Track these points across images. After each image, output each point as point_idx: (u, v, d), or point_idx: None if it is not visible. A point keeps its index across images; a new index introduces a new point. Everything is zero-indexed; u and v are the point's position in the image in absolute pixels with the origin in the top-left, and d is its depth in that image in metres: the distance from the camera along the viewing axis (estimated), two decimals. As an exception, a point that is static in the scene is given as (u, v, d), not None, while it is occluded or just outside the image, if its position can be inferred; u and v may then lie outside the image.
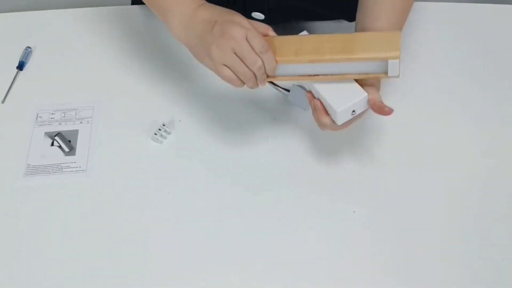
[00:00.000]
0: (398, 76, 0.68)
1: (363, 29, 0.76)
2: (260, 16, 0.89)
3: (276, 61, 0.68)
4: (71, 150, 0.83)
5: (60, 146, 0.84)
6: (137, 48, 0.97)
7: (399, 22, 0.77)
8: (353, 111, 0.70)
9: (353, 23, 0.79)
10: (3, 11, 1.04)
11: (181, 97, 0.90)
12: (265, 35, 0.69)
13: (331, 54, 0.67)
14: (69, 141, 0.85)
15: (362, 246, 0.75)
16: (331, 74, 0.70)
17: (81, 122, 0.87)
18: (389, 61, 0.66)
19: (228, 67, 0.67)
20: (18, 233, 0.75)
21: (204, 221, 0.77)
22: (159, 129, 0.84)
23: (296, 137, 0.84)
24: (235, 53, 0.66)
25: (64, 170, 0.81)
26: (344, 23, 0.97)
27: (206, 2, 0.73)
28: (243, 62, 0.67)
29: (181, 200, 0.79)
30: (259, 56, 0.67)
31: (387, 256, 0.74)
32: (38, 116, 0.88)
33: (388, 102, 0.89)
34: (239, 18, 0.68)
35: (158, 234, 0.75)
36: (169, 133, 0.85)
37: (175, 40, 0.99)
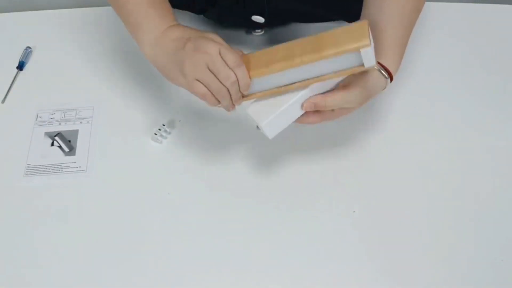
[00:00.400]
0: (375, 65, 0.66)
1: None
2: (260, 19, 0.89)
3: (250, 77, 0.67)
4: (71, 150, 0.84)
5: (60, 146, 0.84)
6: (137, 48, 0.97)
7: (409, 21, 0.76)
8: (257, 126, 0.70)
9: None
10: (3, 11, 1.04)
11: (181, 97, 0.90)
12: None
13: (301, 57, 0.65)
14: (69, 141, 0.85)
15: (362, 246, 0.75)
16: (307, 79, 0.67)
17: (81, 122, 0.87)
18: (361, 50, 0.63)
19: (202, 83, 0.66)
20: (18, 233, 0.75)
21: (204, 220, 0.77)
22: (159, 129, 0.84)
23: (296, 136, 0.84)
24: (209, 68, 0.65)
25: (64, 170, 0.81)
26: (344, 24, 0.97)
27: (178, 23, 0.72)
28: (217, 78, 0.66)
29: (181, 200, 0.79)
30: (233, 71, 0.65)
31: (387, 256, 0.74)
32: (38, 116, 0.88)
33: (388, 102, 0.89)
34: (212, 34, 0.68)
35: (158, 234, 0.75)
36: (169, 133, 0.85)
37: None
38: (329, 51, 0.64)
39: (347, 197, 0.79)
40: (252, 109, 0.70)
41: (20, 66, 0.94)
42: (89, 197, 0.79)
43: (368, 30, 0.63)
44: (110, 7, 1.03)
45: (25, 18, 1.03)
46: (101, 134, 0.86)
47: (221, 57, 0.65)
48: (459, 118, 0.88)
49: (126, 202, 0.78)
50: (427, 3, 0.94)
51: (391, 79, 0.73)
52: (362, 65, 0.65)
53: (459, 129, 0.87)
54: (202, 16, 0.98)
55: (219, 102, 0.68)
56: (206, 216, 0.77)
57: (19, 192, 0.79)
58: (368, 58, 0.64)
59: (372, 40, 0.64)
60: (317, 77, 0.67)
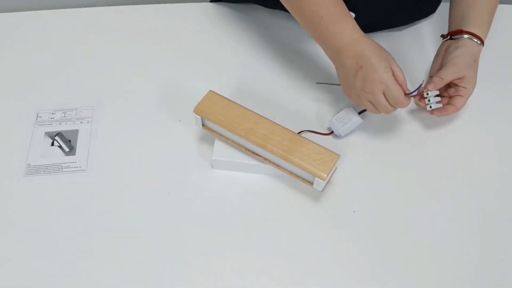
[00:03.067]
0: (321, 191, 0.75)
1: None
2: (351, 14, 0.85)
3: (230, 131, 0.76)
4: (71, 150, 0.84)
5: (60, 146, 0.84)
6: (136, 48, 0.98)
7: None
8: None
9: None
10: (3, 11, 1.04)
11: (182, 97, 0.90)
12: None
13: (274, 147, 0.74)
14: (69, 141, 0.85)
15: (362, 246, 0.75)
16: (269, 161, 0.77)
17: (81, 122, 0.87)
18: (316, 178, 0.72)
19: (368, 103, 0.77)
20: (18, 233, 0.75)
21: (204, 220, 0.77)
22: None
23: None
24: (370, 102, 0.76)
25: (64, 170, 0.81)
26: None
27: (364, 35, 0.76)
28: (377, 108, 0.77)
29: (181, 200, 0.79)
30: (393, 107, 0.76)
31: (387, 256, 0.74)
32: (38, 116, 0.88)
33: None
34: (383, 70, 0.73)
35: (158, 234, 0.75)
36: (169, 133, 0.85)
37: (174, 40, 1.00)
38: (296, 160, 0.73)
39: (347, 197, 0.79)
40: (218, 143, 0.80)
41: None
42: (89, 197, 0.79)
43: (334, 165, 0.73)
44: (110, 7, 1.04)
45: (25, 18, 1.03)
46: (101, 134, 0.86)
47: (384, 96, 0.75)
48: (460, 118, 0.88)
49: (126, 202, 0.78)
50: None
51: (483, 44, 0.83)
52: (312, 184, 0.74)
53: (459, 129, 0.87)
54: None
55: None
56: (206, 216, 0.77)
57: (19, 192, 0.79)
58: (318, 185, 0.73)
59: (332, 172, 0.73)
60: (276, 164, 0.77)
